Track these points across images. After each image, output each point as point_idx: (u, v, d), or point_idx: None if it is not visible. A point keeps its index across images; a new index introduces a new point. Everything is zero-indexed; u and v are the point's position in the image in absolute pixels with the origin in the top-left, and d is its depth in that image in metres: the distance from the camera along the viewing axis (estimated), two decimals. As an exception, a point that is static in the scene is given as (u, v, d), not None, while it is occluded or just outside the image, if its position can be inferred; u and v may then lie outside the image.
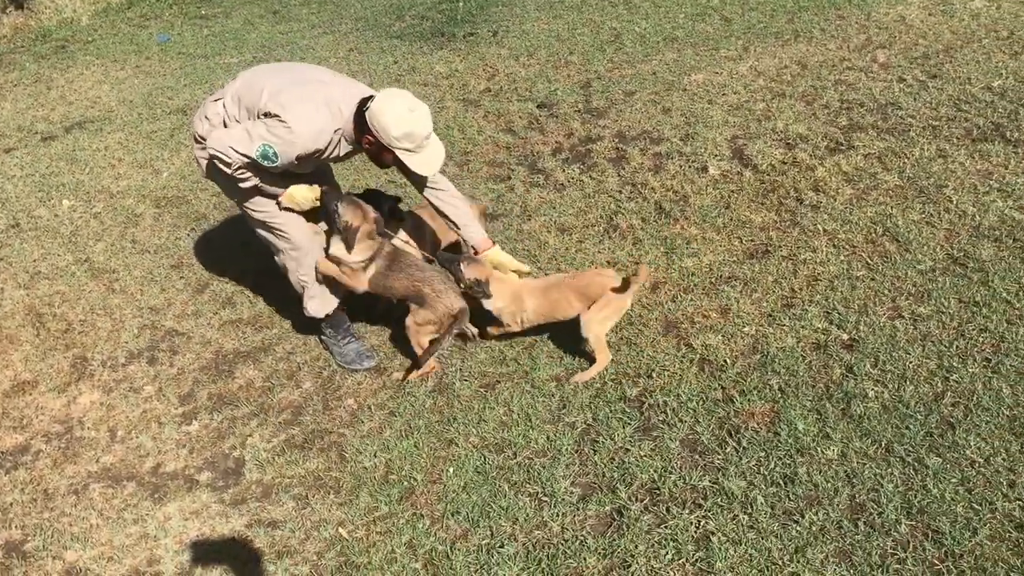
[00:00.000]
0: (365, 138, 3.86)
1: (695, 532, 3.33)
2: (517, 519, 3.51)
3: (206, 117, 4.04)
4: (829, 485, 3.41)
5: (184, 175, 6.67)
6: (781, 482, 3.45)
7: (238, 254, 5.51)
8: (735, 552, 3.22)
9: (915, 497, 3.30)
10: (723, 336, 4.24)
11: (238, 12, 10.73)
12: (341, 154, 4.05)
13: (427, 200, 4.25)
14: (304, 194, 4.14)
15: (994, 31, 6.80)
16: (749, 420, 3.76)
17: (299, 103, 3.78)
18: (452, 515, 3.60)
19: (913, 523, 3.22)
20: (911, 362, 3.90)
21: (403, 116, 3.74)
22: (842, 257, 4.62)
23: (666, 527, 3.36)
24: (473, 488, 3.69)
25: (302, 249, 4.28)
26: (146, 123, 7.71)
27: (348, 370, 4.49)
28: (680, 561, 3.24)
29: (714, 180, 5.49)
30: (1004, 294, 4.17)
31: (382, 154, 3.91)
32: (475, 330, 4.42)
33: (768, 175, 5.45)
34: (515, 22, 8.70)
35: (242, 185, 4.02)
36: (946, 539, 3.14)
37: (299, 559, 3.55)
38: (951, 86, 6.09)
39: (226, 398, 4.47)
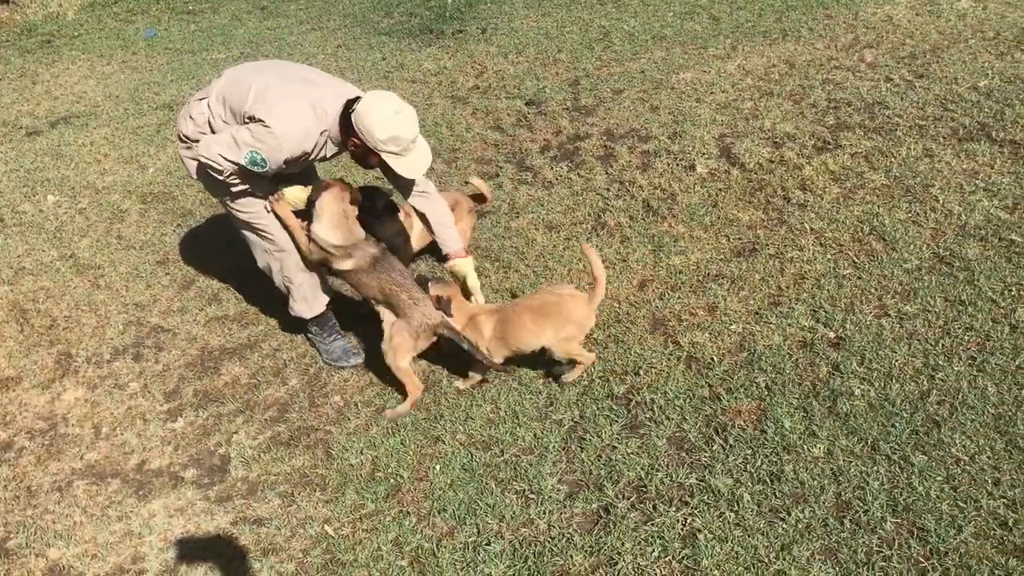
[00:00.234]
0: (351, 140, 3.82)
1: (682, 530, 3.34)
2: (504, 517, 3.51)
3: (191, 116, 4.01)
4: (815, 483, 3.41)
5: (170, 171, 6.63)
6: (767, 480, 3.46)
7: (224, 250, 5.48)
8: (721, 550, 3.23)
9: (900, 495, 3.31)
10: (710, 334, 4.25)
11: (225, 7, 10.68)
12: (327, 155, 4.03)
13: (409, 204, 4.23)
14: (297, 195, 4.10)
15: (980, 31, 6.83)
16: (736, 418, 3.77)
17: (284, 105, 3.74)
18: (439, 512, 3.59)
19: (898, 521, 3.24)
20: (897, 360, 3.91)
21: (389, 119, 3.69)
22: (829, 255, 4.63)
23: (653, 525, 3.36)
24: (460, 485, 3.69)
25: (286, 250, 4.25)
26: (132, 119, 7.67)
27: (334, 367, 4.47)
28: (666, 559, 3.24)
29: (702, 178, 5.49)
30: (989, 293, 4.19)
31: (367, 156, 3.87)
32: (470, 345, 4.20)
33: (755, 173, 5.46)
34: (504, 20, 8.69)
35: (234, 189, 4.01)
36: (931, 537, 3.15)
37: (285, 556, 3.54)
38: (938, 86, 6.12)
39: (212, 395, 4.45)
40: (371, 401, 4.24)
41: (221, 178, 3.91)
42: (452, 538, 3.47)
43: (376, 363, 4.44)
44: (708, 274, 4.66)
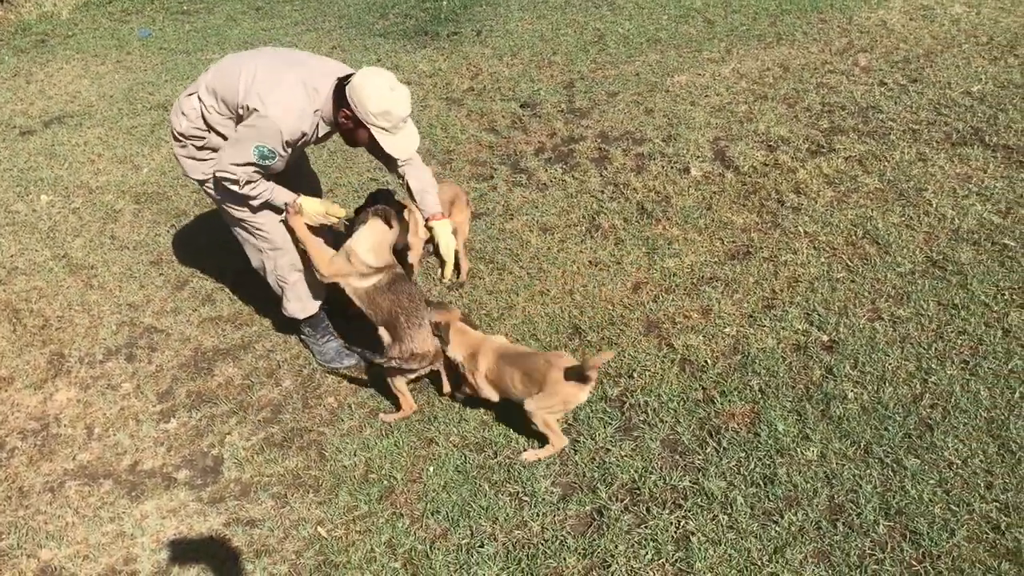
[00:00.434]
0: (342, 112, 3.75)
1: (675, 532, 3.34)
2: (497, 519, 3.51)
3: (183, 113, 4.00)
4: (808, 486, 3.42)
5: (164, 171, 6.62)
6: (761, 483, 3.47)
7: (218, 251, 5.47)
8: (715, 552, 3.23)
9: (893, 498, 3.32)
10: (704, 337, 4.25)
11: (220, 8, 10.66)
12: (320, 135, 3.97)
13: (396, 174, 4.18)
14: (315, 208, 4.07)
15: (974, 36, 6.86)
16: (729, 421, 3.77)
17: (275, 91, 3.71)
18: (432, 514, 3.59)
19: (891, 524, 3.24)
20: (890, 364, 3.92)
21: (384, 94, 3.64)
22: (822, 259, 4.64)
23: (646, 527, 3.37)
24: (453, 487, 3.68)
25: (280, 249, 4.24)
26: (126, 118, 7.65)
27: (328, 368, 4.47)
28: (660, 561, 3.24)
29: (696, 181, 5.50)
30: (982, 297, 4.21)
31: (357, 131, 3.79)
32: (446, 384, 4.18)
33: (750, 177, 5.47)
34: (499, 22, 8.69)
35: (254, 202, 3.97)
36: (924, 540, 3.16)
37: (277, 558, 3.53)
38: (931, 90, 6.14)
39: (205, 396, 4.44)
40: (365, 402, 4.23)
41: (239, 189, 3.87)
42: (445, 540, 3.47)
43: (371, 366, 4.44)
44: (702, 277, 4.66)
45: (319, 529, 3.62)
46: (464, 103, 7.02)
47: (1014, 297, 4.19)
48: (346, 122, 3.78)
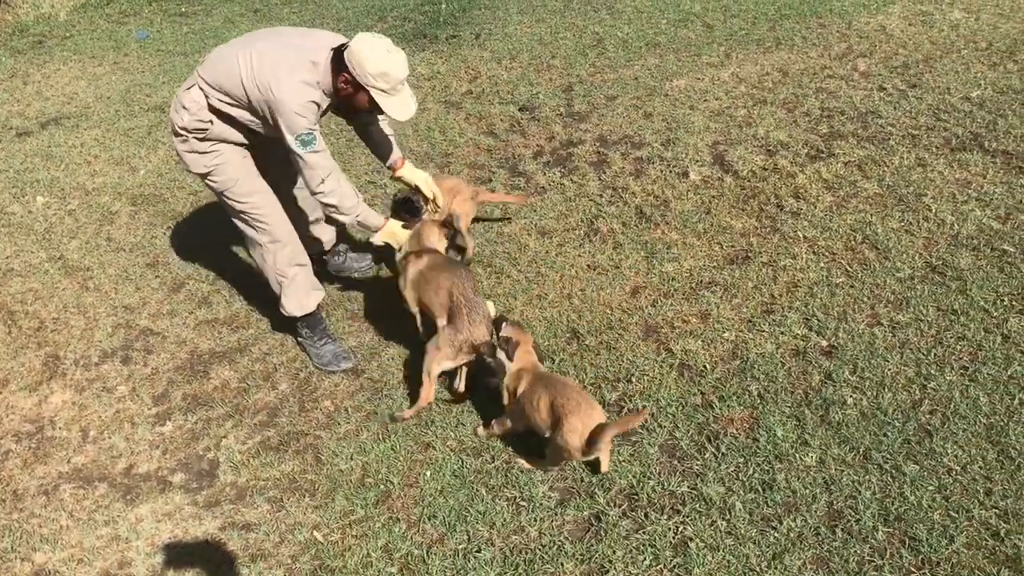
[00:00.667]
0: (341, 77, 3.82)
1: (673, 538, 3.32)
2: (494, 524, 3.49)
3: (184, 107, 3.99)
4: (807, 492, 3.41)
5: (161, 173, 6.60)
6: (759, 488, 3.45)
7: (215, 253, 5.45)
8: (713, 558, 3.21)
9: (892, 504, 3.31)
10: (703, 341, 4.24)
11: (219, 10, 10.65)
12: (323, 106, 4.02)
13: (360, 135, 4.32)
14: (404, 234, 4.28)
15: (973, 42, 6.86)
16: (728, 426, 3.76)
17: (282, 80, 3.77)
18: (429, 519, 3.57)
19: (890, 530, 3.23)
20: (889, 369, 3.91)
21: (381, 55, 3.74)
22: (822, 264, 4.63)
23: (644, 533, 3.35)
24: (450, 492, 3.67)
25: (280, 242, 4.25)
26: (123, 120, 7.63)
27: (325, 371, 4.45)
28: (658, 567, 3.22)
29: (695, 185, 5.49)
30: (982, 303, 4.20)
31: (356, 95, 3.86)
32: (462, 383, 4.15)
33: (749, 181, 5.46)
34: (498, 25, 8.68)
35: (346, 215, 4.09)
36: (923, 546, 3.14)
37: (273, 562, 3.51)
38: (930, 96, 6.13)
39: (201, 399, 4.42)
40: (361, 406, 4.21)
41: (332, 184, 3.97)
42: (442, 545, 3.45)
43: (368, 368, 4.43)
44: (701, 281, 4.65)
45: (315, 533, 3.60)
46: (462, 106, 7.01)
47: (1013, 303, 4.18)
48: (345, 87, 3.85)
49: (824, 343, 4.12)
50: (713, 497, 3.44)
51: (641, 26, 8.15)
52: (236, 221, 4.31)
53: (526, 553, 3.35)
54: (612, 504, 3.49)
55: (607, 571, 3.24)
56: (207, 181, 4.20)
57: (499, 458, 3.77)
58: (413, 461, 3.85)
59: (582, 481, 3.61)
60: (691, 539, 3.29)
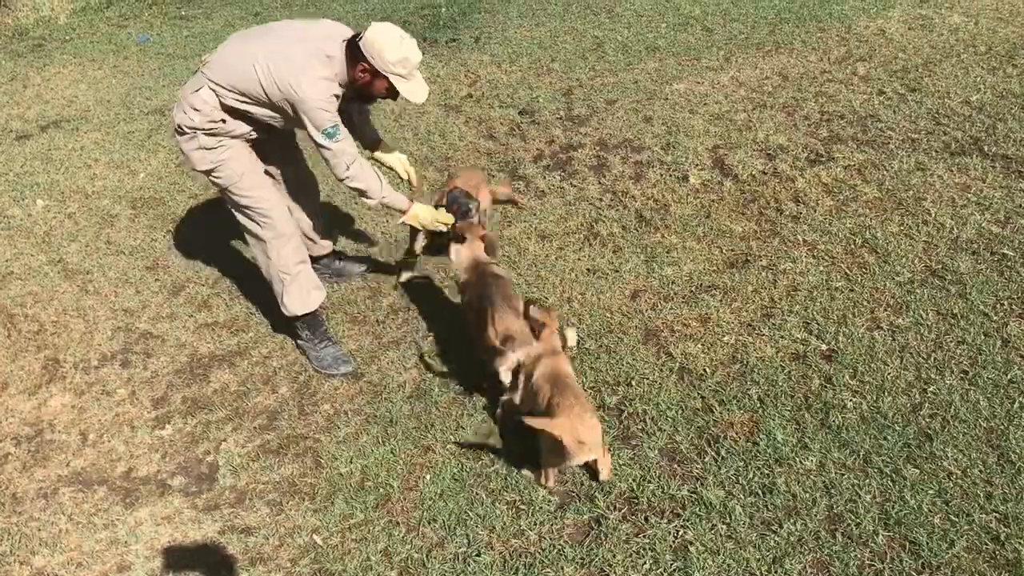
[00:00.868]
0: (359, 67, 3.95)
1: (673, 542, 3.32)
2: (494, 527, 3.48)
3: (195, 109, 3.98)
4: (807, 495, 3.40)
5: (161, 176, 6.60)
6: (759, 492, 3.45)
7: (215, 256, 5.45)
8: (713, 562, 3.21)
9: (892, 508, 3.31)
10: (703, 345, 4.24)
11: (219, 13, 10.66)
12: (341, 97, 4.11)
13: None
14: (428, 214, 4.34)
15: (972, 46, 6.87)
16: (728, 430, 3.76)
17: (301, 77, 3.85)
18: (428, 523, 3.56)
19: (890, 534, 3.23)
20: (889, 373, 3.91)
21: (397, 42, 3.89)
22: (821, 268, 4.63)
23: (644, 536, 3.35)
24: (450, 495, 3.66)
25: (285, 236, 4.27)
26: (123, 123, 7.62)
27: (324, 375, 4.44)
28: (658, 571, 3.22)
29: (695, 189, 5.49)
30: (981, 307, 4.20)
31: (374, 83, 4.00)
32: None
33: (748, 185, 5.46)
34: (497, 29, 8.69)
35: (371, 197, 4.20)
36: (923, 550, 3.14)
37: (273, 566, 3.51)
38: (930, 100, 6.14)
39: (200, 402, 4.41)
40: (361, 409, 4.21)
41: (355, 168, 4.09)
42: (442, 549, 3.45)
43: (368, 372, 4.42)
44: (701, 285, 4.65)
45: (314, 537, 3.59)
46: (462, 110, 7.02)
47: (1013, 307, 4.19)
48: (363, 75, 3.98)
49: (824, 347, 4.12)
50: (713, 501, 3.43)
51: (640, 30, 8.15)
52: (240, 217, 4.30)
53: (526, 557, 3.35)
54: (612, 508, 3.49)
55: (607, 575, 3.23)
56: (212, 177, 4.20)
57: (499, 462, 3.77)
58: (413, 464, 3.85)
59: (582, 485, 3.61)
60: (691, 543, 3.29)
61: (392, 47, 3.88)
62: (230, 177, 4.15)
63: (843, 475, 3.47)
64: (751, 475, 3.52)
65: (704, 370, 4.09)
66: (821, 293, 4.45)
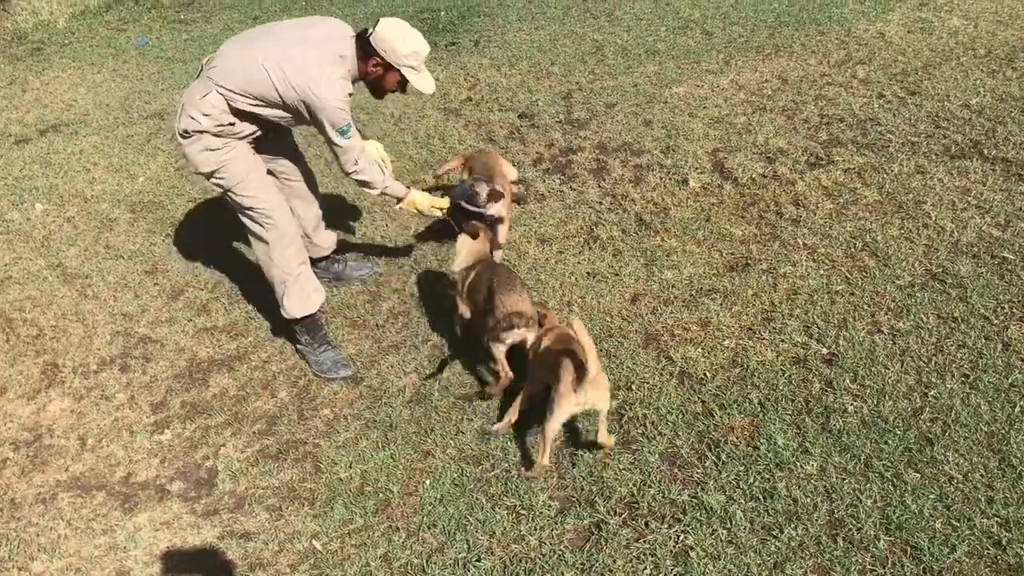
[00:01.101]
0: (372, 61, 4.08)
1: (674, 547, 3.31)
2: (494, 533, 3.47)
3: (204, 114, 3.97)
4: (808, 500, 3.39)
5: (160, 180, 6.59)
6: (760, 497, 3.44)
7: (214, 260, 5.44)
8: (714, 567, 3.20)
9: (894, 513, 3.30)
10: (703, 349, 4.23)
11: (218, 17, 10.67)
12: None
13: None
14: (425, 201, 4.53)
15: (972, 49, 6.87)
16: (728, 434, 3.75)
17: (318, 77, 3.93)
18: (428, 528, 3.55)
19: (892, 539, 3.22)
20: (890, 377, 3.90)
21: (407, 36, 4.06)
22: (822, 271, 4.63)
23: (645, 542, 3.34)
24: (450, 501, 3.65)
25: (288, 236, 4.27)
26: (122, 127, 7.62)
27: (324, 379, 4.43)
28: (658, 576, 3.21)
29: (695, 193, 5.49)
30: (982, 310, 4.19)
31: (386, 77, 4.15)
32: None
33: (748, 188, 5.46)
34: (497, 32, 8.70)
35: (374, 188, 4.37)
36: (924, 555, 3.13)
37: (272, 572, 3.49)
38: (930, 103, 6.14)
39: (199, 407, 4.40)
40: (361, 414, 4.20)
41: (362, 164, 4.23)
42: (442, 554, 3.44)
43: (367, 376, 4.41)
44: (701, 289, 4.64)
45: (314, 542, 3.58)
46: (462, 113, 7.01)
47: (1014, 310, 4.18)
48: (376, 69, 4.12)
49: (824, 351, 4.12)
50: (714, 506, 3.42)
51: (640, 33, 8.16)
52: (243, 218, 4.30)
53: (526, 562, 3.34)
54: (612, 513, 3.48)
55: (607, 580, 3.23)
56: (214, 179, 4.19)
57: (499, 466, 3.76)
58: (413, 469, 3.84)
59: (582, 490, 3.60)
60: (692, 548, 3.28)
61: (403, 41, 4.03)
62: (233, 178, 4.14)
63: (844, 479, 3.46)
64: (752, 480, 3.51)
65: (704, 374, 4.08)
66: (821, 297, 4.44)
